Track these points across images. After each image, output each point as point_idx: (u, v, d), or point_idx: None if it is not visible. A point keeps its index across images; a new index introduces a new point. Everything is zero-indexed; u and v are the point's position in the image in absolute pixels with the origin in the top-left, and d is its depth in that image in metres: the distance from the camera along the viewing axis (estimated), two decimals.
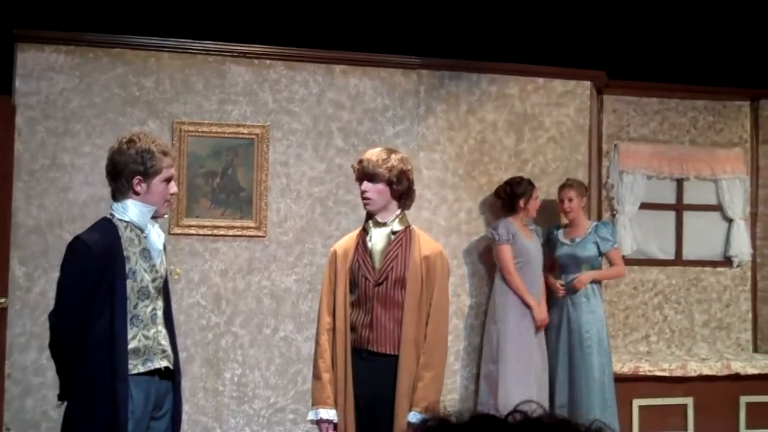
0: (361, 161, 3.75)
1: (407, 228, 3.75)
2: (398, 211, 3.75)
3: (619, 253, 6.50)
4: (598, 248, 6.29)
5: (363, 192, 3.72)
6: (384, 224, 3.72)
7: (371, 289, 3.64)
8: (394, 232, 3.71)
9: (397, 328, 3.60)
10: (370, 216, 3.75)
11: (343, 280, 3.69)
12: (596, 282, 6.31)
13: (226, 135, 6.19)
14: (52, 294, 5.62)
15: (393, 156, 3.73)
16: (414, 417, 3.54)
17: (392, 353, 3.60)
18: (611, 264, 6.43)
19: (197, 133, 6.15)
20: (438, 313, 3.67)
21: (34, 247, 5.86)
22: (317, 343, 3.72)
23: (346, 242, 3.82)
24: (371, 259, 3.68)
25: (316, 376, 3.68)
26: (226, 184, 6.21)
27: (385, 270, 3.64)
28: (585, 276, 6.22)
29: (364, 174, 3.70)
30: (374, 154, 3.74)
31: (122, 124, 5.95)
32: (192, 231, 6.12)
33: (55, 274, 5.54)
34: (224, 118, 6.21)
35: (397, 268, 3.64)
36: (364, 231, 3.76)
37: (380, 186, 3.68)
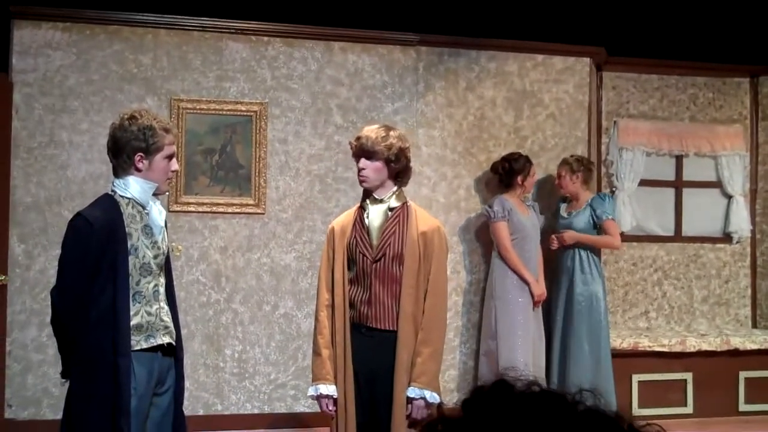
0: (359, 138, 3.72)
1: (404, 204, 3.73)
2: (395, 188, 3.72)
3: (616, 225, 6.47)
4: (593, 221, 6.29)
5: (360, 169, 3.69)
6: (381, 201, 3.69)
7: (369, 266, 3.63)
8: (391, 209, 3.69)
9: (395, 304, 3.60)
10: (367, 193, 3.74)
11: (341, 256, 3.68)
12: (594, 256, 6.30)
13: (225, 112, 6.17)
14: (51, 271, 5.63)
15: (392, 133, 3.69)
16: (413, 392, 3.54)
17: (391, 329, 3.60)
18: (606, 234, 6.38)
19: (195, 111, 6.12)
20: (436, 288, 3.66)
21: (33, 225, 5.85)
22: (316, 319, 3.72)
23: (343, 219, 3.80)
24: (369, 235, 3.67)
25: (316, 352, 3.69)
26: (224, 161, 6.19)
27: (383, 246, 3.63)
28: (569, 234, 6.23)
29: (362, 151, 3.67)
30: (372, 131, 3.71)
31: (120, 101, 5.92)
32: (191, 208, 6.11)
33: (55, 252, 5.54)
34: (222, 95, 6.18)
35: (394, 244, 3.63)
36: (362, 208, 3.75)
37: (378, 164, 3.65)
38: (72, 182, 5.91)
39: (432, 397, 3.55)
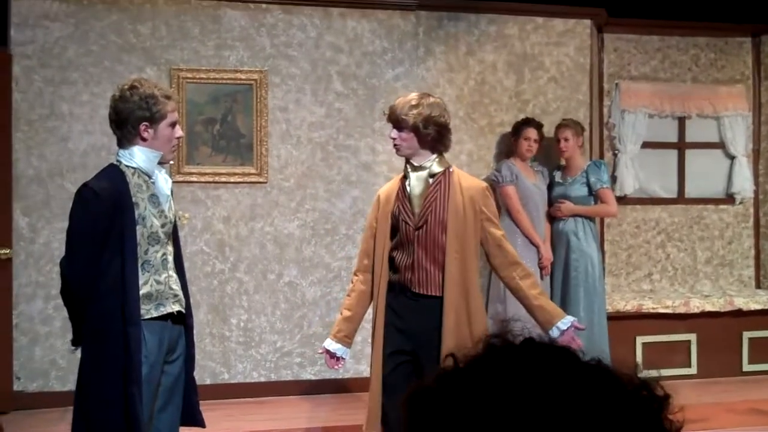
0: (391, 107, 3.78)
1: (447, 170, 3.77)
2: (433, 155, 3.75)
3: (611, 193, 6.42)
4: (590, 189, 6.26)
5: (392, 138, 3.76)
6: (420, 168, 3.73)
7: (411, 233, 3.69)
8: (432, 175, 3.73)
9: (438, 270, 3.66)
10: (408, 160, 3.77)
11: (384, 225, 3.76)
12: (589, 221, 6.28)
13: (224, 81, 6.14)
14: (55, 244, 5.64)
15: (423, 101, 3.70)
16: (564, 324, 3.66)
17: (433, 294, 3.68)
18: (602, 203, 6.35)
19: (195, 80, 6.09)
20: (503, 241, 3.76)
21: (36, 198, 5.85)
22: (351, 280, 3.90)
23: (389, 187, 3.88)
24: (410, 203, 3.73)
25: (340, 310, 3.90)
26: (225, 130, 6.17)
27: (425, 214, 3.69)
28: (567, 206, 6.21)
29: (391, 120, 3.74)
30: (403, 100, 3.75)
31: (119, 72, 5.89)
32: (193, 178, 6.10)
33: (58, 224, 5.54)
34: (222, 63, 6.15)
35: (436, 210, 3.69)
36: (405, 176, 3.79)
37: (405, 134, 3.69)
38: (73, 154, 5.89)
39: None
